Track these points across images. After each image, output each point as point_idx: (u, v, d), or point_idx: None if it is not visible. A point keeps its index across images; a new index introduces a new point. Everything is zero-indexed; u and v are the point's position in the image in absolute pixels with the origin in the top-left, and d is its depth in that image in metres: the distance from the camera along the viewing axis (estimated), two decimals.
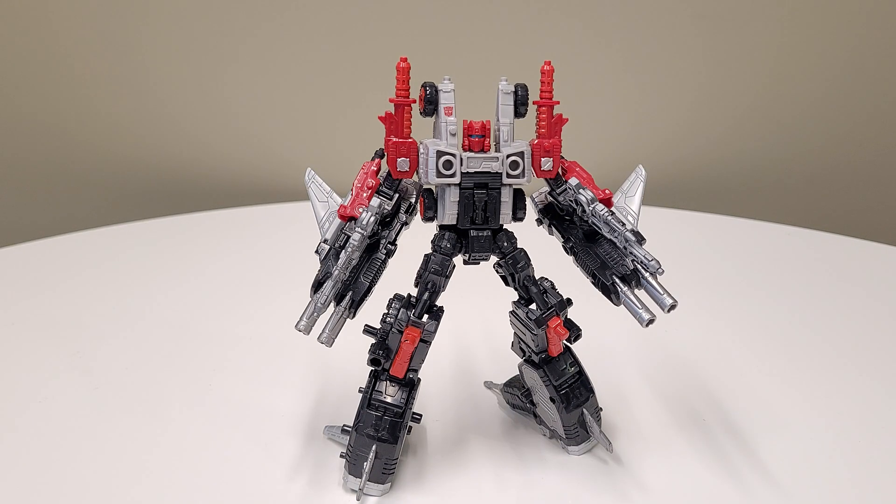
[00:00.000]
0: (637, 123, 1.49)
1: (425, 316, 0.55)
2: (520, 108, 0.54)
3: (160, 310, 0.92)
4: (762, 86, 1.46)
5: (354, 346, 0.59)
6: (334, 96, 1.44)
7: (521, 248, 0.57)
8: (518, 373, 0.64)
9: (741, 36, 1.42)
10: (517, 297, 0.59)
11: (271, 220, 1.33)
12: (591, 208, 0.53)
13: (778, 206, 1.53)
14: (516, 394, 0.64)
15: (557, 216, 0.59)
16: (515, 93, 0.54)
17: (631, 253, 0.52)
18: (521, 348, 0.62)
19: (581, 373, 0.59)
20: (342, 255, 0.50)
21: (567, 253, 0.58)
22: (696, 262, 1.11)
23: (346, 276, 0.52)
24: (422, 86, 0.53)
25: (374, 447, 0.54)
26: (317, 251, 0.53)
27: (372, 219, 0.51)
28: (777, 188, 1.55)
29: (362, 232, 0.50)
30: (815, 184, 1.54)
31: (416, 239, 0.59)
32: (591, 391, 0.60)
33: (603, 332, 0.79)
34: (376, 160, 0.54)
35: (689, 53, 1.43)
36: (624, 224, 0.52)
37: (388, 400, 0.55)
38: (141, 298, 0.96)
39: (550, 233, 0.60)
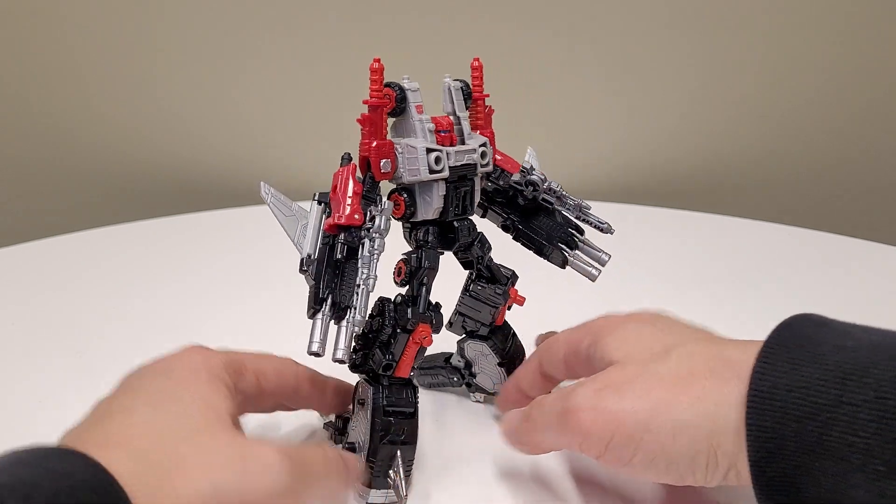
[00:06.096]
0: (634, 123, 1.48)
1: None
2: (467, 101, 0.58)
3: (160, 310, 0.92)
4: (760, 85, 1.46)
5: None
6: (335, 96, 1.44)
7: (481, 231, 0.61)
8: (438, 354, 0.69)
9: (738, 35, 1.41)
10: (471, 279, 0.64)
11: (271, 221, 1.32)
12: (545, 185, 0.60)
13: (777, 206, 1.53)
14: (440, 373, 0.69)
15: (491, 199, 0.63)
16: (463, 89, 0.57)
17: (585, 219, 0.61)
18: (463, 326, 0.66)
19: (515, 336, 0.67)
20: (360, 265, 0.49)
21: (505, 231, 0.63)
22: (695, 262, 1.11)
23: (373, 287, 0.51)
24: (387, 85, 0.53)
25: (397, 451, 0.54)
26: (302, 269, 0.52)
27: (386, 221, 0.51)
28: (776, 188, 1.54)
29: (382, 235, 0.51)
30: (814, 183, 1.54)
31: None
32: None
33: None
34: (349, 166, 0.53)
35: (686, 52, 1.42)
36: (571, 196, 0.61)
37: (398, 403, 0.54)
38: (141, 298, 0.96)
39: (483, 216, 0.63)
